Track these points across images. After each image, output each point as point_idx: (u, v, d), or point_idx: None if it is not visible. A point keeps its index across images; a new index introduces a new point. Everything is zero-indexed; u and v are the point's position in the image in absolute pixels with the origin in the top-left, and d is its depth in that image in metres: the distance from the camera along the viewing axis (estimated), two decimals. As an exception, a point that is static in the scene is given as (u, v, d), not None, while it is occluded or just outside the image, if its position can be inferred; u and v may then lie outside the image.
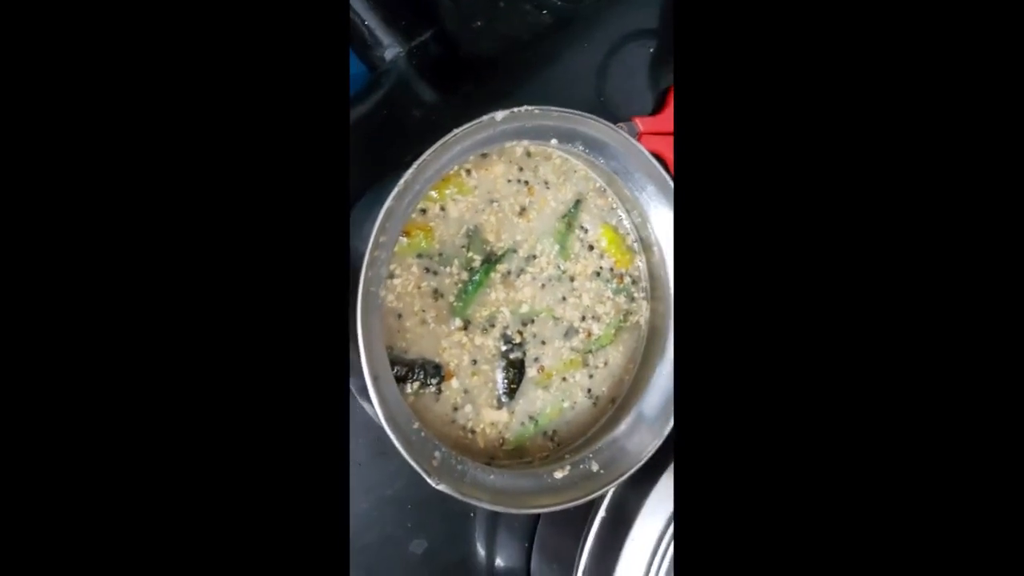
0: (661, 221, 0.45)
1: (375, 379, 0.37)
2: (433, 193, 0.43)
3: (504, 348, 0.44)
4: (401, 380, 0.41)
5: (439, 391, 0.43)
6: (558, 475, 0.43)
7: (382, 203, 0.38)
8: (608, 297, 0.47)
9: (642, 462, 0.43)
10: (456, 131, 0.39)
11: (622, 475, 0.43)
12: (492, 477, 0.41)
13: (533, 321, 0.45)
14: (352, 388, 0.42)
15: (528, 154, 0.45)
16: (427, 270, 0.43)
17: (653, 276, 0.47)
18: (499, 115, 0.39)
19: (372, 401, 0.37)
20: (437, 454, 0.39)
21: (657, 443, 0.43)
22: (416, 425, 0.39)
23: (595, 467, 0.43)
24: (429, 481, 0.38)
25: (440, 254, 0.43)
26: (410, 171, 0.38)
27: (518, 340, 0.45)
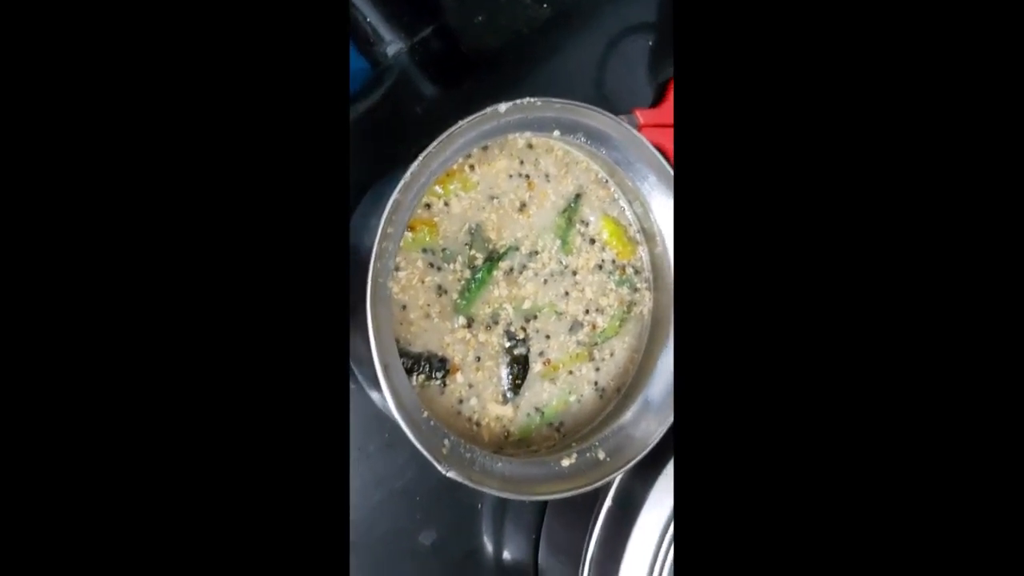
0: (663, 211, 0.46)
1: (385, 367, 0.37)
2: (438, 188, 0.43)
3: (508, 344, 0.45)
4: (407, 372, 0.42)
5: (444, 384, 0.43)
6: (565, 463, 0.43)
7: (387, 197, 0.38)
8: (611, 289, 0.47)
9: (649, 448, 0.43)
10: (460, 123, 0.39)
11: (629, 462, 0.43)
12: (500, 465, 0.41)
13: (536, 317, 0.46)
14: (361, 379, 0.42)
15: (530, 146, 0.46)
16: (431, 265, 0.43)
17: (656, 266, 0.48)
18: (502, 107, 0.40)
19: (382, 389, 0.37)
20: (446, 442, 0.40)
21: (663, 429, 0.44)
22: (425, 414, 0.39)
23: (601, 455, 0.44)
24: (439, 468, 0.38)
25: (444, 250, 0.43)
26: (416, 163, 0.38)
27: (521, 336, 0.45)
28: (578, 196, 0.47)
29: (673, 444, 0.43)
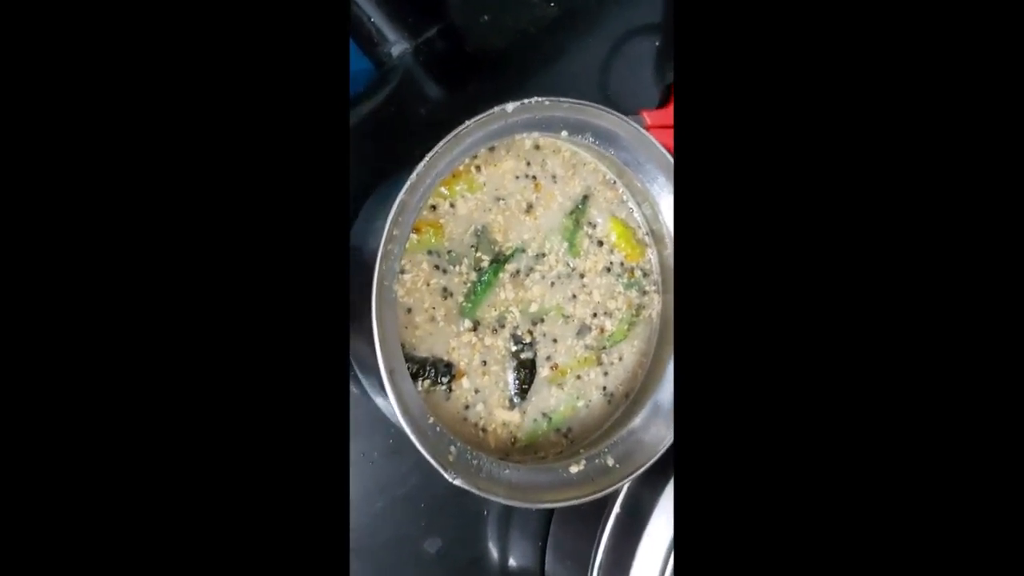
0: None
1: (390, 373, 0.37)
2: (443, 189, 0.43)
3: (514, 348, 0.44)
4: (412, 377, 0.41)
5: (450, 389, 0.43)
6: (573, 470, 0.42)
7: (392, 199, 0.38)
8: (619, 292, 0.47)
9: (659, 454, 0.43)
10: (467, 123, 0.38)
11: (638, 469, 0.42)
12: (507, 472, 0.41)
13: (543, 320, 0.45)
14: (365, 384, 0.42)
15: (537, 147, 0.45)
16: (437, 267, 0.43)
17: (665, 268, 0.47)
18: (510, 107, 0.39)
19: (388, 395, 0.37)
20: (452, 449, 0.39)
21: (672, 435, 0.43)
22: (431, 420, 0.39)
23: (610, 462, 0.43)
24: (445, 476, 0.38)
25: (450, 252, 0.43)
26: (422, 164, 0.38)
27: (528, 340, 0.44)
28: (586, 197, 0.46)
29: (673, 450, 0.43)
